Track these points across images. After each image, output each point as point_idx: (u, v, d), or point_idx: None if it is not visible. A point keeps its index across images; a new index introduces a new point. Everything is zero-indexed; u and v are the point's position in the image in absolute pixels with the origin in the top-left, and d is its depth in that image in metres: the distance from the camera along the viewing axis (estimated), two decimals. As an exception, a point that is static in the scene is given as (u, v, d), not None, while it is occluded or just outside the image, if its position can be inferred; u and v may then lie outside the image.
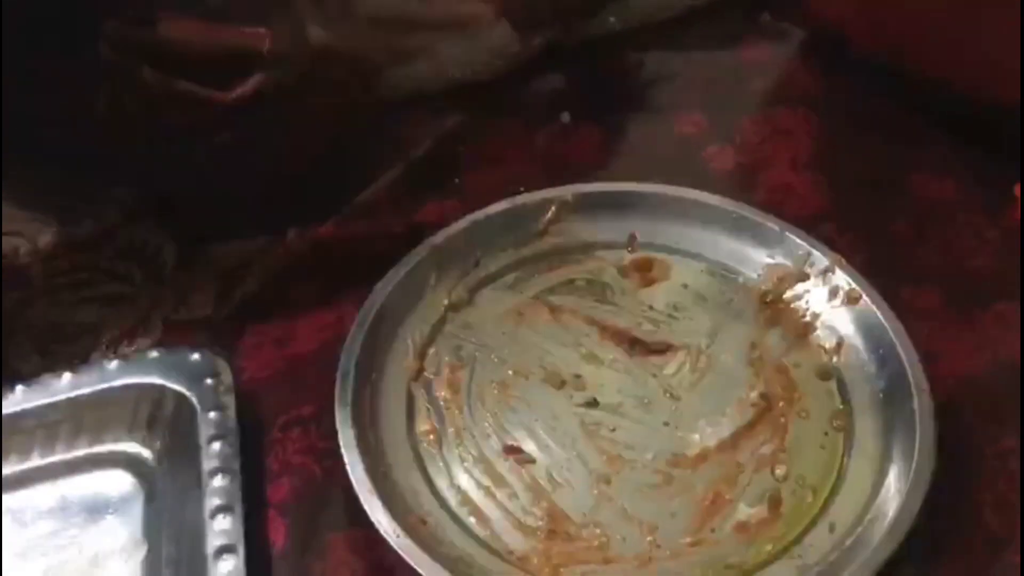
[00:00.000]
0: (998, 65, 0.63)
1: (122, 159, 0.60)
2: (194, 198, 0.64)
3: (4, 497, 0.51)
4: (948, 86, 0.66)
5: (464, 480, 0.50)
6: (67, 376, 0.52)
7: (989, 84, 0.64)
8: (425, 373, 0.55)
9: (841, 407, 0.53)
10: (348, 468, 0.48)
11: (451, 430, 0.52)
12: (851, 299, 0.55)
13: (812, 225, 0.61)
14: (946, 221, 0.63)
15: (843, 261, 0.57)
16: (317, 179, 0.64)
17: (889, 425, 0.51)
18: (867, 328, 0.54)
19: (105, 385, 0.52)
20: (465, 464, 0.51)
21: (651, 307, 0.58)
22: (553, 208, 0.60)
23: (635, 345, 0.56)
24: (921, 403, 0.50)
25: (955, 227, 0.63)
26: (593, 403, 0.53)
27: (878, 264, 0.59)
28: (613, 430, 0.52)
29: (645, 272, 0.59)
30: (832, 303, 0.56)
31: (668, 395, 0.54)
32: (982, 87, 0.65)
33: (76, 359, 0.57)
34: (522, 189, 0.62)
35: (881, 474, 0.49)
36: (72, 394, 0.52)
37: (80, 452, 0.52)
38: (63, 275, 0.62)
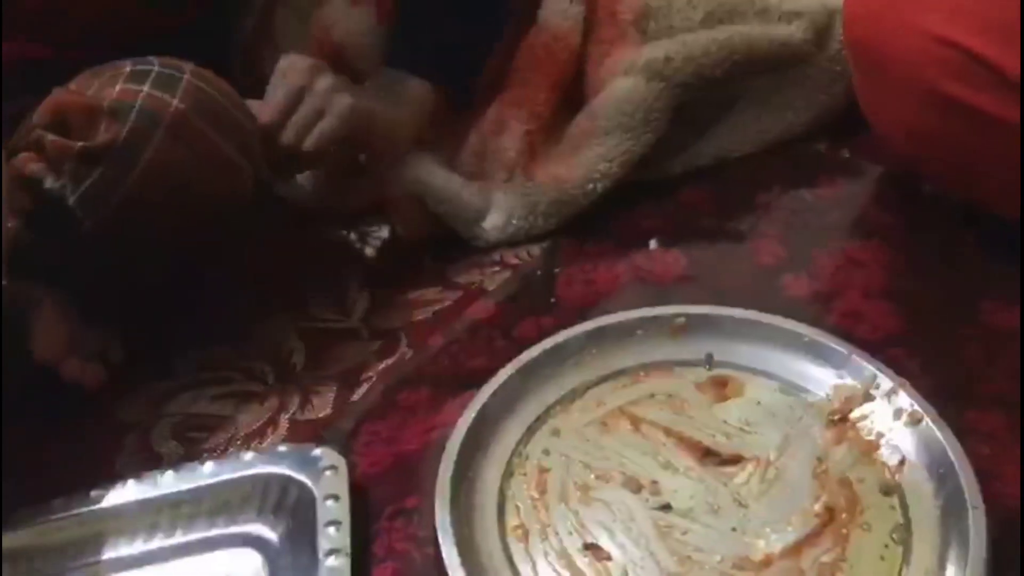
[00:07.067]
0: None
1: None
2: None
3: (153, 570, 0.58)
4: (1018, 220, 0.70)
5: (547, 573, 0.56)
6: (210, 464, 0.61)
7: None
8: (517, 473, 0.61)
9: (901, 522, 0.56)
10: (444, 557, 0.54)
11: (537, 526, 0.58)
12: (914, 420, 0.60)
13: (882, 348, 0.65)
14: (1014, 348, 0.66)
15: (907, 384, 0.61)
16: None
17: (946, 541, 0.55)
18: (928, 448, 0.58)
19: (241, 473, 0.60)
20: (548, 558, 0.56)
21: (725, 421, 0.63)
22: (639, 330, 0.67)
23: (708, 455, 0.61)
24: (976, 520, 0.53)
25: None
26: (667, 507, 0.58)
27: (946, 387, 0.63)
28: (684, 533, 0.57)
29: (721, 389, 0.65)
30: (896, 423, 0.60)
31: (737, 503, 0.58)
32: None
33: (211, 447, 0.66)
34: (610, 310, 0.69)
35: (936, 587, 0.53)
36: (213, 480, 0.60)
37: (216, 531, 0.60)
38: (205, 370, 0.71)
